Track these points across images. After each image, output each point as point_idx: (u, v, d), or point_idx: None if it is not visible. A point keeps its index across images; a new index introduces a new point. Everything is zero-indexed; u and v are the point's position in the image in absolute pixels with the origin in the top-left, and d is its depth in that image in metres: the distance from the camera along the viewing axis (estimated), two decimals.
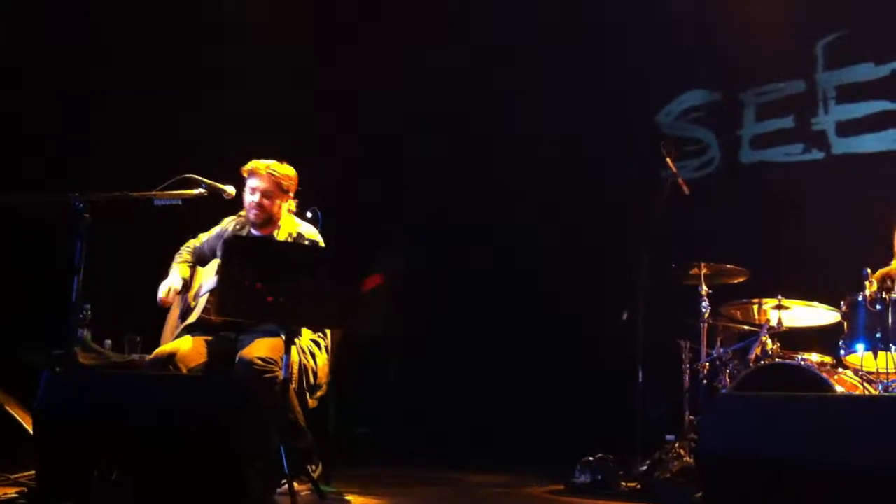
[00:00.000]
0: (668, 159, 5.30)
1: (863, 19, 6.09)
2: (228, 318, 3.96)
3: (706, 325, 4.86)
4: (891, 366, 4.29)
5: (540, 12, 6.68)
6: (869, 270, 4.73)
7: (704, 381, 4.77)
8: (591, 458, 4.49)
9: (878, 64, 6.07)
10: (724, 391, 4.59)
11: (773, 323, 4.71)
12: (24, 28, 5.72)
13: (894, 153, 5.90)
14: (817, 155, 6.26)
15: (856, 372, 4.38)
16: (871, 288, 4.45)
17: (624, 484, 4.36)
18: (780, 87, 6.44)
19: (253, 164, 4.19)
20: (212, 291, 4.07)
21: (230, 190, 4.14)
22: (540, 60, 6.81)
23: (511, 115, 6.88)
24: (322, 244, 4.18)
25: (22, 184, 5.02)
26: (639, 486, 4.37)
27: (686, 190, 5.24)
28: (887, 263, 4.95)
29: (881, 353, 4.25)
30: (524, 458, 5.62)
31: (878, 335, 4.25)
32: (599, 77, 6.69)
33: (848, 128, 6.17)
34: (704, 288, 4.88)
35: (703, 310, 4.86)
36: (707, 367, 4.80)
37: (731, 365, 4.74)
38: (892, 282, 4.78)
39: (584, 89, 6.68)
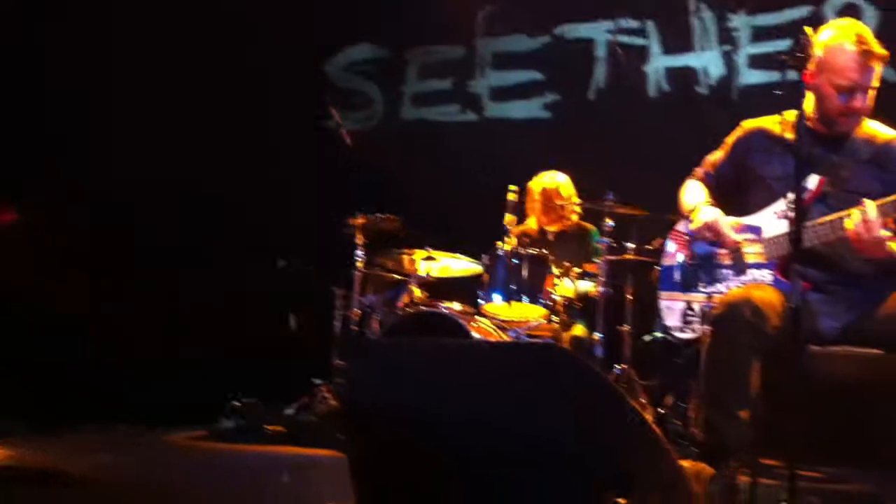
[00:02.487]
0: (332, 110, 5.34)
1: None
2: None
3: (360, 273, 4.97)
4: (522, 314, 4.68)
5: None
6: (510, 227, 5.09)
7: (355, 328, 4.88)
8: (237, 403, 4.45)
9: (532, 36, 6.48)
10: (372, 337, 4.73)
11: (422, 273, 4.94)
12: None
13: (538, 121, 6.36)
14: (471, 116, 6.61)
15: (492, 320, 4.69)
16: (510, 243, 4.79)
17: (269, 428, 4.36)
18: (442, 50, 6.70)
19: None
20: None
21: None
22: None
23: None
24: None
25: None
26: (284, 430, 4.39)
27: (349, 142, 5.32)
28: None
29: (515, 303, 4.62)
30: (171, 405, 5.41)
31: (513, 286, 4.61)
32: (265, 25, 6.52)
33: (500, 94, 6.55)
34: (360, 237, 4.98)
35: (358, 258, 4.96)
36: (358, 314, 4.92)
37: (380, 312, 4.89)
38: (529, 238, 5.20)
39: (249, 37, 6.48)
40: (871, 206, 2.77)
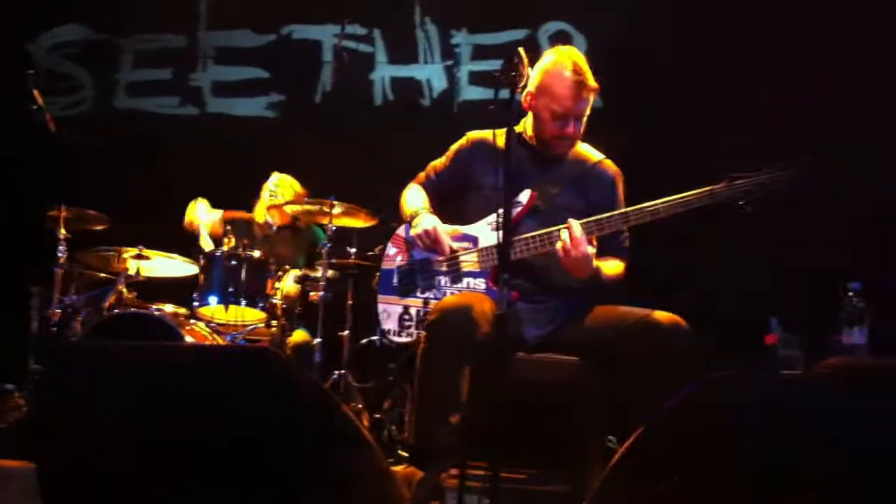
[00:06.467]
0: (35, 93, 4.92)
1: None
2: None
3: (61, 270, 4.62)
4: (240, 318, 4.55)
5: None
6: (228, 227, 4.94)
7: (54, 329, 4.53)
8: None
9: (258, 32, 6.35)
10: (71, 339, 4.42)
11: (132, 272, 4.68)
12: None
13: (263, 119, 6.25)
14: (192, 110, 6.36)
15: (207, 323, 4.53)
16: (228, 243, 4.65)
17: None
18: (161, 38, 6.40)
19: None
20: None
21: None
22: None
23: None
24: None
25: None
26: None
27: (52, 128, 4.93)
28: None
29: (232, 306, 4.49)
30: None
31: (230, 289, 4.47)
32: None
33: (223, 89, 6.36)
34: (63, 232, 4.63)
35: (60, 254, 4.61)
36: (58, 315, 4.57)
37: (83, 313, 4.58)
38: (252, 230, 5.10)
39: None
40: (576, 225, 2.95)
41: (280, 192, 5.12)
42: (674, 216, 2.96)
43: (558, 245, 2.95)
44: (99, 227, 4.85)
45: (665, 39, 5.33)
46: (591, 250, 2.95)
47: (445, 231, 3.18)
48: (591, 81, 3.11)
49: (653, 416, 2.04)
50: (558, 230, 3.01)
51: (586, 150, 3.31)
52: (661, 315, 2.92)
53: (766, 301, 4.58)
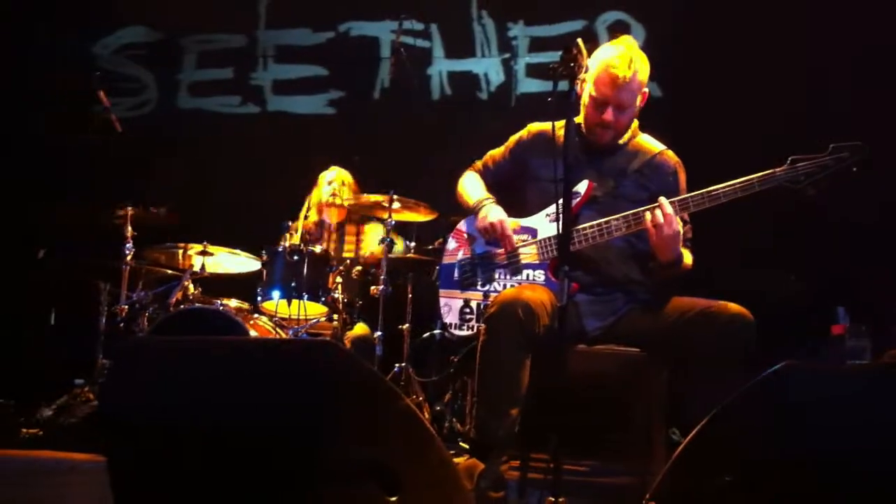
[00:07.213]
0: (100, 94, 5.05)
1: None
2: None
3: (128, 267, 4.72)
4: (302, 312, 4.60)
5: None
6: (290, 223, 5.01)
7: (122, 325, 4.63)
8: None
9: (316, 31, 6.41)
10: (138, 335, 4.51)
11: (197, 268, 4.76)
12: None
13: (322, 117, 6.30)
14: (253, 109, 6.45)
15: (270, 318, 4.59)
16: (290, 239, 4.70)
17: (25, 431, 4.06)
18: (222, 38, 6.49)
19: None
20: None
21: None
22: None
23: None
24: None
25: None
26: (40, 433, 4.11)
27: (118, 128, 5.05)
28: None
29: (294, 301, 4.54)
30: None
31: (293, 284, 4.52)
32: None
33: (283, 87, 6.43)
34: (129, 230, 4.74)
35: (126, 252, 4.71)
36: (126, 311, 4.67)
37: (150, 309, 4.67)
38: (311, 235, 5.14)
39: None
40: (666, 203, 2.91)
41: (340, 190, 5.15)
42: (735, 201, 2.91)
43: (647, 217, 2.91)
44: (166, 224, 4.93)
45: (723, 27, 5.24)
46: (680, 229, 2.92)
47: (510, 225, 3.17)
48: (625, 71, 3.03)
49: (717, 408, 2.01)
50: (616, 219, 2.99)
51: (646, 141, 3.27)
52: (725, 306, 2.88)
53: (832, 290, 4.49)
